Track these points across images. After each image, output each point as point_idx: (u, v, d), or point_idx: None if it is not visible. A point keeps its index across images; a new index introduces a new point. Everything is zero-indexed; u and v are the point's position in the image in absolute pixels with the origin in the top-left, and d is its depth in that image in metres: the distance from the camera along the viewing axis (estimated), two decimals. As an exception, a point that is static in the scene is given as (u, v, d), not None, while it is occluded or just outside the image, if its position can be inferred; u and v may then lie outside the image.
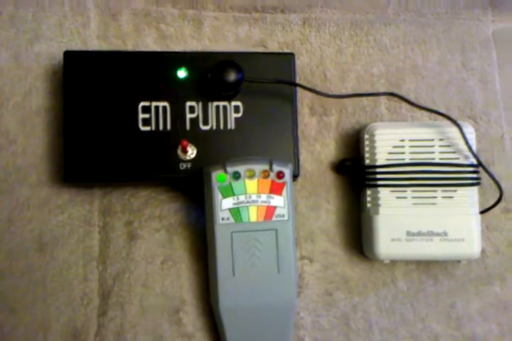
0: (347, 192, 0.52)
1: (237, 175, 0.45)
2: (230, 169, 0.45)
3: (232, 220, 0.45)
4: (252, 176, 0.45)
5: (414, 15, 0.55)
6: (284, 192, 0.45)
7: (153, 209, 0.50)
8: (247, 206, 0.45)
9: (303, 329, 0.49)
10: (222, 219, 0.45)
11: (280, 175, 0.45)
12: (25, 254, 0.49)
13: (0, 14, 0.52)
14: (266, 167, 0.45)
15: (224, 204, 0.45)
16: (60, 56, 0.48)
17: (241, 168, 0.45)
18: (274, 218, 0.45)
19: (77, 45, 0.52)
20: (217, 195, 0.45)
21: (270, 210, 0.45)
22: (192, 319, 0.49)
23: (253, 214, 0.45)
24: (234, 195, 0.45)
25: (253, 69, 0.48)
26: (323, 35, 0.54)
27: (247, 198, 0.45)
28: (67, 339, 0.48)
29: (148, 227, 0.50)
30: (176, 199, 0.50)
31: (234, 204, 0.45)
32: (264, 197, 0.45)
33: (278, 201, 0.45)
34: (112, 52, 0.50)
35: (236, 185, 0.45)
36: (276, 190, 0.45)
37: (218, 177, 0.45)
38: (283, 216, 0.45)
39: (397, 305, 0.50)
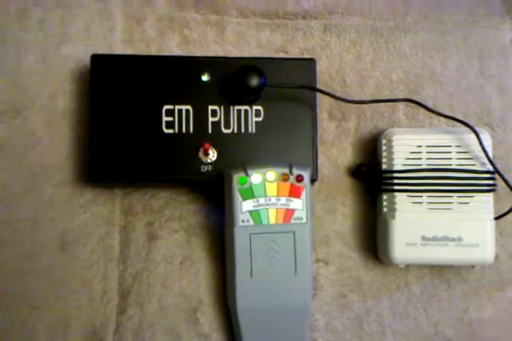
0: (363, 196, 0.52)
1: (257, 178, 0.45)
2: (251, 172, 0.45)
3: (251, 222, 0.45)
4: (272, 179, 0.46)
5: (434, 23, 0.55)
6: (303, 195, 0.46)
7: (173, 210, 0.51)
8: (266, 208, 0.45)
9: (317, 331, 0.50)
10: (242, 221, 0.45)
11: (299, 178, 0.46)
12: (48, 252, 0.50)
13: (29, 18, 0.53)
14: (286, 170, 0.46)
15: (244, 207, 0.45)
16: (86, 59, 0.49)
17: (262, 171, 0.46)
18: (292, 221, 0.46)
19: (102, 49, 0.53)
20: (238, 197, 0.45)
21: (289, 213, 0.46)
22: (209, 319, 0.49)
23: (272, 217, 0.45)
24: (254, 197, 0.45)
25: (274, 74, 0.49)
26: (344, 41, 0.54)
27: (267, 201, 0.45)
28: (86, 336, 0.49)
29: (167, 228, 0.51)
30: (196, 201, 0.51)
31: (254, 206, 0.45)
32: (283, 200, 0.46)
33: (297, 204, 0.46)
34: (138, 56, 0.51)
35: (256, 187, 0.45)
36: (295, 193, 0.46)
37: (239, 179, 0.45)
38: (301, 219, 0.46)
39: (410, 308, 0.51)
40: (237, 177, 0.45)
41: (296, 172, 0.46)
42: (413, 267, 0.51)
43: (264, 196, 0.45)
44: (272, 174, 0.46)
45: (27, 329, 0.48)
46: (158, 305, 0.49)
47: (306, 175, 0.46)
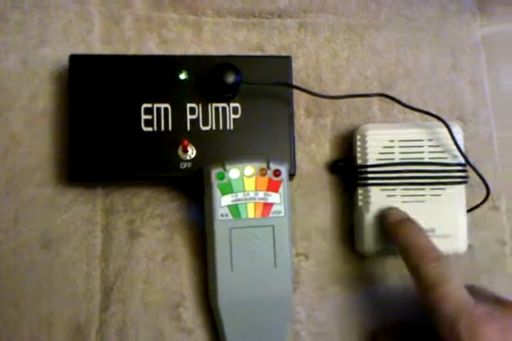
0: (341, 191, 0.53)
1: (235, 173, 0.46)
2: (229, 167, 0.46)
3: (230, 216, 0.46)
4: (250, 174, 0.46)
5: (406, 20, 0.56)
6: (281, 189, 0.46)
7: (155, 208, 0.51)
8: (245, 203, 0.46)
9: (299, 324, 0.50)
10: (221, 215, 0.46)
11: (277, 173, 0.46)
12: (31, 252, 0.50)
13: (8, 21, 0.53)
14: (263, 165, 0.46)
15: (223, 201, 0.46)
16: (65, 60, 0.49)
17: (240, 167, 0.46)
18: (271, 214, 0.46)
19: (81, 50, 0.53)
20: (217, 192, 0.46)
21: (267, 207, 0.46)
22: (192, 315, 0.50)
23: (251, 211, 0.46)
24: (233, 192, 0.46)
25: (251, 71, 0.49)
26: (319, 39, 0.55)
27: (245, 195, 0.46)
28: (70, 334, 0.49)
29: (149, 225, 0.51)
30: (177, 199, 0.51)
31: (232, 201, 0.46)
32: (261, 194, 0.46)
33: (275, 198, 0.46)
34: (116, 56, 0.51)
35: (235, 182, 0.46)
36: (273, 187, 0.46)
37: (218, 175, 0.46)
38: (280, 212, 0.46)
39: (389, 299, 0.51)
40: (215, 172, 0.46)
41: (273, 167, 0.46)
42: (390, 258, 0.52)
43: (242, 191, 0.46)
44: (250, 169, 0.46)
45: (11, 327, 0.48)
46: (141, 302, 0.49)
47: (284, 170, 0.47)
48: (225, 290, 0.46)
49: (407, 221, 0.46)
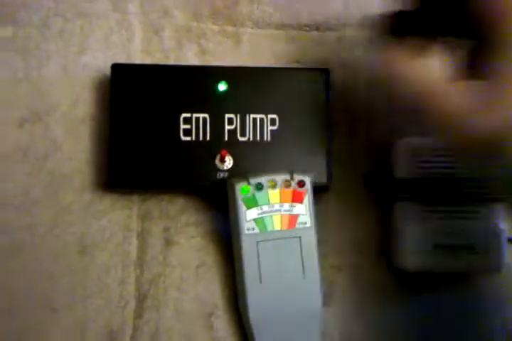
0: (377, 204, 0.53)
1: (260, 186, 0.46)
2: (253, 180, 0.46)
3: (257, 230, 0.46)
4: (274, 186, 0.47)
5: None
6: (306, 200, 0.47)
7: (190, 217, 0.52)
8: (270, 215, 0.46)
9: (329, 339, 0.50)
10: (248, 229, 0.46)
11: (301, 183, 0.47)
12: (67, 257, 0.51)
13: (50, 28, 0.54)
14: (287, 177, 0.47)
15: (248, 215, 0.46)
16: (106, 68, 0.50)
17: (263, 179, 0.46)
18: (297, 226, 0.47)
19: (121, 58, 0.54)
20: (242, 207, 0.46)
21: (293, 218, 0.47)
22: (224, 324, 0.50)
23: (277, 223, 0.46)
24: (258, 205, 0.46)
25: (290, 84, 0.50)
26: (358, 52, 0.56)
27: (271, 208, 0.46)
28: (103, 340, 0.49)
29: (184, 233, 0.51)
30: (212, 208, 0.52)
31: (258, 214, 0.46)
32: (286, 206, 0.46)
33: (300, 209, 0.47)
34: (156, 65, 0.52)
35: (259, 195, 0.46)
36: (297, 198, 0.47)
37: (242, 189, 0.46)
38: (306, 223, 0.47)
39: (424, 315, 0.51)
40: (239, 186, 0.46)
41: (297, 178, 0.47)
42: (427, 275, 0.51)
43: (267, 204, 0.46)
44: (274, 181, 0.47)
45: (45, 331, 0.49)
46: (174, 310, 0.50)
47: (308, 180, 0.47)
48: (254, 303, 0.47)
49: None
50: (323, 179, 0.50)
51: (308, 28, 0.56)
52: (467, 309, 0.51)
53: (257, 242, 0.46)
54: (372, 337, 0.51)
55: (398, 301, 0.52)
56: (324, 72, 0.51)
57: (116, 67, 0.50)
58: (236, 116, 0.50)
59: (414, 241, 0.49)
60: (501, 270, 0.49)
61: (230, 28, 0.56)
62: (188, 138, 0.50)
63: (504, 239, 0.48)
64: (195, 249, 0.51)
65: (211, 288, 0.51)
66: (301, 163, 0.50)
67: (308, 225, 0.47)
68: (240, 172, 0.48)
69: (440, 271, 0.50)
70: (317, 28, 0.56)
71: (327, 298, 0.51)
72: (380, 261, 0.52)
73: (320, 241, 0.51)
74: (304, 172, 0.48)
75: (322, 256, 0.51)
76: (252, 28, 0.56)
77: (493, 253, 0.48)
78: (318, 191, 0.50)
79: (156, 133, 0.50)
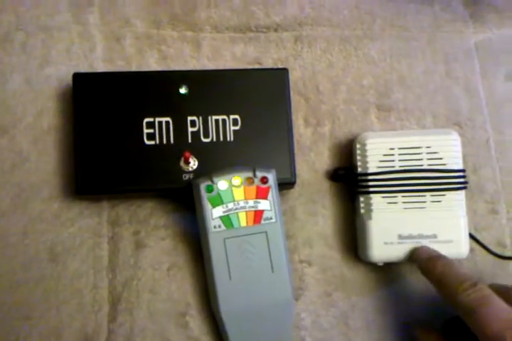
0: (342, 198, 0.55)
1: (223, 185, 0.48)
2: (216, 179, 0.49)
3: (223, 227, 0.48)
4: (238, 184, 0.49)
5: (399, 30, 0.59)
6: (270, 195, 0.49)
7: (159, 219, 0.54)
8: (236, 212, 0.48)
9: (304, 330, 0.53)
10: (214, 227, 0.48)
11: (264, 180, 0.49)
12: (39, 265, 0.52)
13: (12, 42, 0.57)
14: (250, 174, 0.49)
15: (214, 213, 0.48)
16: (69, 78, 0.52)
17: (227, 178, 0.49)
18: (262, 221, 0.49)
19: (84, 68, 0.56)
20: (207, 205, 0.48)
21: (258, 214, 0.49)
22: (198, 323, 0.52)
23: (243, 220, 0.48)
24: (223, 203, 0.48)
25: (249, 84, 0.53)
26: (315, 50, 0.58)
27: (236, 205, 0.48)
28: (79, 344, 0.51)
29: (154, 236, 0.53)
30: (180, 209, 0.54)
31: (224, 212, 0.48)
32: (251, 202, 0.49)
33: (265, 205, 0.49)
34: (118, 73, 0.54)
35: (224, 193, 0.48)
36: (261, 194, 0.49)
37: (206, 188, 0.48)
38: (271, 218, 0.49)
39: (392, 304, 0.53)
40: (204, 185, 0.48)
41: (259, 174, 0.49)
42: (393, 265, 0.54)
43: (232, 201, 0.48)
44: (237, 179, 0.49)
45: (21, 338, 0.51)
46: (147, 311, 0.52)
47: (271, 177, 0.49)
48: (225, 300, 0.49)
49: (439, 256, 0.48)
50: (287, 175, 0.52)
51: (265, 30, 0.59)
52: (434, 297, 0.53)
53: (224, 239, 0.48)
54: (343, 328, 0.53)
55: (367, 292, 0.54)
56: (283, 72, 0.54)
57: (77, 76, 0.53)
58: (198, 118, 0.52)
59: (379, 232, 0.51)
60: (465, 257, 0.51)
61: (189, 34, 0.59)
62: (152, 142, 0.52)
63: (465, 227, 0.51)
64: (166, 251, 0.53)
65: (183, 288, 0.53)
66: (264, 161, 0.52)
67: (273, 220, 0.49)
68: (205, 173, 0.50)
69: (406, 261, 0.52)
70: (275, 30, 0.59)
71: (298, 292, 0.53)
72: (348, 253, 0.55)
73: (288, 237, 0.54)
74: (266, 168, 0.50)
75: (291, 251, 0.54)
76: (211, 33, 0.59)
77: (456, 242, 0.51)
78: (283, 188, 0.53)
79: (121, 139, 0.52)
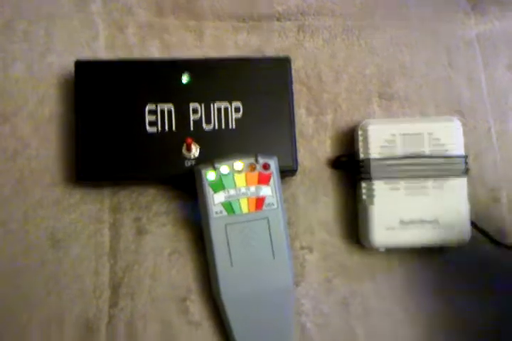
0: (343, 186, 0.57)
1: (225, 171, 0.50)
2: (219, 165, 0.50)
3: (225, 213, 0.50)
4: (239, 170, 0.50)
5: (401, 20, 0.61)
6: (272, 182, 0.50)
7: (160, 206, 0.55)
8: (237, 198, 0.50)
9: (304, 315, 0.54)
10: (216, 212, 0.49)
11: (266, 166, 0.50)
12: (40, 251, 0.54)
13: (15, 30, 0.58)
14: (252, 160, 0.50)
15: (216, 199, 0.49)
16: (71, 66, 0.54)
17: (229, 164, 0.50)
18: (264, 207, 0.50)
19: (86, 56, 0.58)
20: (209, 191, 0.49)
21: (260, 200, 0.50)
22: (198, 308, 0.53)
23: (244, 206, 0.50)
24: (224, 189, 0.50)
25: (251, 73, 0.54)
26: (317, 40, 0.60)
27: (237, 191, 0.50)
28: (80, 329, 0.52)
29: (155, 222, 0.55)
30: (182, 197, 0.56)
31: (225, 197, 0.49)
32: (253, 188, 0.50)
33: (266, 191, 0.50)
34: (120, 61, 0.55)
35: (225, 179, 0.50)
36: (263, 180, 0.50)
37: (208, 173, 0.50)
38: (273, 205, 0.50)
39: (393, 290, 0.55)
40: (205, 171, 0.50)
41: (261, 161, 0.50)
42: (394, 250, 0.55)
43: (234, 187, 0.50)
44: (239, 165, 0.50)
45: (22, 324, 0.52)
46: (148, 296, 0.53)
47: (272, 163, 0.50)
48: (226, 286, 0.50)
49: None
50: (289, 163, 0.53)
51: (268, 19, 0.60)
52: (436, 283, 0.54)
53: (226, 225, 0.50)
54: (343, 313, 0.54)
55: (367, 278, 0.55)
56: (286, 60, 0.55)
57: (79, 64, 0.54)
58: (201, 106, 0.54)
59: (381, 218, 0.52)
60: (466, 243, 0.52)
61: (192, 22, 0.60)
62: (154, 130, 0.53)
63: (467, 213, 0.52)
64: (167, 237, 0.55)
65: (184, 274, 0.54)
66: (266, 148, 0.53)
67: (275, 207, 0.50)
68: (206, 160, 0.52)
69: (407, 246, 0.53)
70: (277, 19, 0.60)
71: (298, 278, 0.54)
72: (349, 240, 0.56)
73: (289, 224, 0.55)
74: (268, 155, 0.51)
75: (292, 238, 0.55)
76: (213, 21, 0.60)
77: (458, 228, 0.52)
78: (285, 175, 0.54)
79: (122, 126, 0.53)
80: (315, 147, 0.58)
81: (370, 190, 0.53)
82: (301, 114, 0.58)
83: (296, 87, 0.57)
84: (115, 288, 0.53)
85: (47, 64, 0.58)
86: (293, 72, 0.55)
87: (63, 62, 0.58)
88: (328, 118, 0.58)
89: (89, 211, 0.55)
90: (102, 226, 0.55)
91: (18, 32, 0.59)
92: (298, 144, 0.55)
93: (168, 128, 0.53)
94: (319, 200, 0.56)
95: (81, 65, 0.54)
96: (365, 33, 0.60)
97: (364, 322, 0.54)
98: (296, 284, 0.54)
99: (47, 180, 0.55)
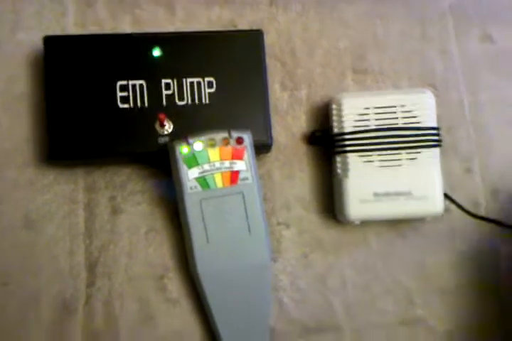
0: (319, 161, 0.57)
1: (199, 146, 0.49)
2: (192, 141, 0.49)
3: (199, 188, 0.49)
4: (213, 145, 0.50)
5: (375, -7, 0.60)
6: (245, 156, 0.50)
7: (135, 185, 0.55)
8: (212, 173, 0.49)
9: (282, 291, 0.54)
10: (191, 188, 0.49)
11: (239, 140, 0.50)
12: (15, 232, 0.53)
13: (-19, 7, 0.57)
14: (225, 135, 0.50)
15: (190, 174, 0.49)
16: (40, 44, 0.53)
17: (203, 139, 0.49)
18: (239, 182, 0.50)
19: (56, 33, 0.56)
20: (183, 166, 0.49)
21: (234, 175, 0.50)
22: (176, 285, 0.53)
23: (219, 181, 0.49)
24: (198, 164, 0.49)
25: (224, 47, 0.53)
26: (290, 13, 0.59)
27: (211, 166, 0.49)
28: (58, 310, 0.52)
29: (130, 201, 0.54)
30: (156, 175, 0.55)
31: (199, 173, 0.49)
32: (227, 163, 0.50)
33: (240, 165, 0.50)
34: (89, 35, 0.54)
35: (199, 155, 0.49)
36: (237, 155, 0.50)
37: (181, 149, 0.49)
38: (247, 179, 0.50)
39: (369, 263, 0.55)
40: (179, 147, 0.49)
41: (235, 135, 0.50)
42: (370, 224, 0.56)
43: (208, 162, 0.49)
44: (212, 140, 0.50)
45: (0, 305, 0.52)
46: (125, 275, 0.53)
47: (246, 137, 0.50)
48: (203, 262, 0.50)
49: None
50: (263, 138, 0.53)
51: (240, -7, 0.59)
52: (411, 254, 0.55)
53: (201, 200, 0.49)
54: (321, 288, 0.55)
55: (344, 253, 0.55)
56: (258, 33, 0.55)
57: (48, 40, 0.53)
58: (173, 81, 0.53)
59: (355, 191, 0.52)
60: (440, 215, 0.53)
61: (163, -3, 0.59)
62: (126, 106, 0.52)
63: (440, 183, 0.52)
64: (143, 215, 0.54)
65: (161, 252, 0.54)
66: (240, 123, 0.53)
67: (249, 181, 0.50)
68: (180, 136, 0.51)
69: (382, 219, 0.54)
70: (250, -8, 0.59)
71: (276, 254, 0.55)
72: (325, 215, 0.56)
73: (266, 200, 0.55)
74: (242, 130, 0.51)
75: (268, 214, 0.55)
76: (185, -4, 0.59)
77: (431, 199, 0.52)
78: (260, 151, 0.54)
79: (94, 103, 0.52)
80: (290, 123, 0.57)
81: (345, 163, 0.53)
82: (275, 89, 0.58)
83: (270, 62, 0.57)
84: (91, 267, 0.53)
85: (16, 42, 0.57)
86: (266, 47, 0.55)
87: (32, 40, 0.57)
88: (303, 93, 0.58)
89: (63, 191, 0.54)
90: (76, 207, 0.54)
91: (-16, 9, 0.57)
92: (273, 120, 0.54)
93: (141, 104, 0.52)
94: (295, 176, 0.56)
95: (50, 41, 0.53)
96: (338, 7, 0.60)
97: (342, 297, 0.55)
98: (274, 260, 0.54)
99: (19, 161, 0.55)
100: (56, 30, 0.57)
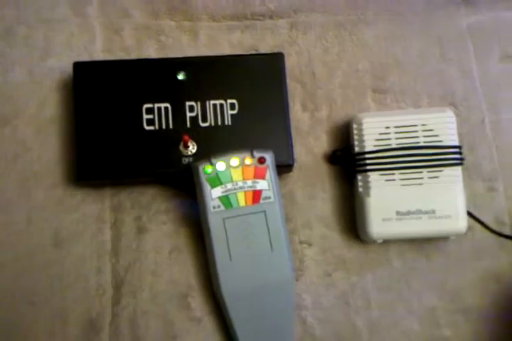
0: (340, 180, 0.57)
1: (221, 166, 0.50)
2: (215, 161, 0.50)
3: (222, 207, 0.50)
4: (236, 165, 0.51)
5: (393, 14, 0.61)
6: (268, 175, 0.51)
7: (160, 205, 0.56)
8: (235, 193, 0.50)
9: (305, 310, 0.54)
10: (214, 207, 0.50)
11: (261, 160, 0.51)
12: (43, 251, 0.54)
13: (14, 35, 0.59)
14: (247, 155, 0.51)
15: (213, 194, 0.50)
16: (70, 69, 0.55)
17: (225, 159, 0.50)
18: (261, 201, 0.50)
19: (84, 59, 0.58)
20: (206, 186, 0.50)
21: (257, 194, 0.50)
22: (200, 304, 0.54)
23: (241, 200, 0.50)
24: (221, 183, 0.50)
25: (246, 70, 0.55)
26: (310, 37, 0.60)
27: (234, 185, 0.50)
28: (84, 328, 0.53)
29: (156, 221, 0.55)
30: (180, 195, 0.56)
31: (222, 192, 0.50)
32: (249, 182, 0.50)
33: (263, 185, 0.51)
34: (117, 61, 0.56)
35: (222, 174, 0.50)
36: (259, 174, 0.51)
37: (205, 169, 0.50)
38: (269, 198, 0.50)
39: (393, 282, 0.55)
40: (202, 167, 0.50)
41: (257, 155, 0.51)
42: (393, 243, 0.55)
43: (230, 181, 0.50)
44: (235, 160, 0.50)
45: (27, 324, 0.53)
46: (150, 293, 0.53)
47: (268, 157, 0.51)
48: (226, 280, 0.50)
49: None
50: (285, 157, 0.54)
51: (261, 17, 0.61)
52: (433, 274, 0.54)
53: (224, 219, 0.50)
54: (343, 307, 0.54)
55: (367, 271, 0.55)
56: (279, 56, 0.56)
57: (77, 66, 0.55)
58: (197, 103, 0.54)
59: (377, 209, 0.52)
60: (463, 233, 0.52)
61: (187, 23, 0.61)
62: (152, 128, 0.54)
63: (463, 202, 0.52)
64: (167, 235, 0.55)
65: (185, 270, 0.54)
66: (262, 144, 0.54)
67: (271, 200, 0.51)
68: (204, 156, 0.52)
69: (404, 237, 0.53)
70: (270, 17, 0.61)
71: (298, 272, 0.55)
72: (347, 234, 0.56)
73: (288, 220, 0.55)
74: (264, 149, 0.51)
75: (291, 232, 0.55)
76: (207, 21, 0.61)
77: (454, 217, 0.52)
78: (282, 171, 0.55)
79: (121, 126, 0.54)
80: (311, 143, 0.58)
81: (366, 182, 0.53)
82: (296, 110, 0.59)
83: (290, 84, 0.58)
84: (118, 286, 0.54)
85: (46, 68, 0.59)
86: (287, 69, 0.56)
87: (62, 66, 0.59)
88: (324, 113, 0.59)
89: (91, 211, 0.56)
90: (103, 226, 0.55)
91: (17, 37, 0.60)
92: (294, 141, 0.55)
93: (166, 126, 0.54)
94: (317, 196, 0.57)
95: (79, 66, 0.55)
96: (357, 28, 0.61)
97: (364, 315, 0.54)
98: (296, 279, 0.54)
99: (48, 182, 0.56)
100: (85, 57, 0.59)
